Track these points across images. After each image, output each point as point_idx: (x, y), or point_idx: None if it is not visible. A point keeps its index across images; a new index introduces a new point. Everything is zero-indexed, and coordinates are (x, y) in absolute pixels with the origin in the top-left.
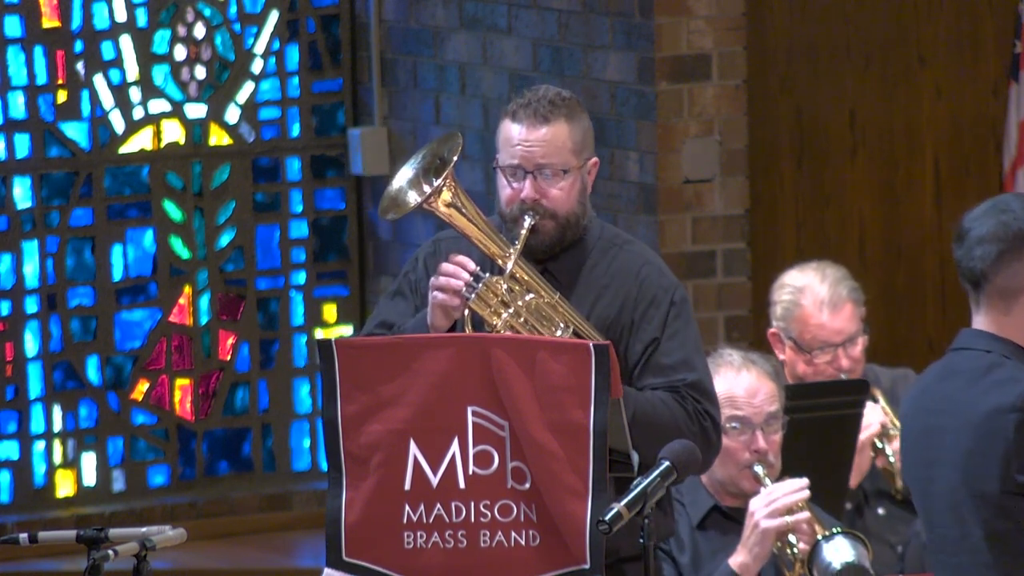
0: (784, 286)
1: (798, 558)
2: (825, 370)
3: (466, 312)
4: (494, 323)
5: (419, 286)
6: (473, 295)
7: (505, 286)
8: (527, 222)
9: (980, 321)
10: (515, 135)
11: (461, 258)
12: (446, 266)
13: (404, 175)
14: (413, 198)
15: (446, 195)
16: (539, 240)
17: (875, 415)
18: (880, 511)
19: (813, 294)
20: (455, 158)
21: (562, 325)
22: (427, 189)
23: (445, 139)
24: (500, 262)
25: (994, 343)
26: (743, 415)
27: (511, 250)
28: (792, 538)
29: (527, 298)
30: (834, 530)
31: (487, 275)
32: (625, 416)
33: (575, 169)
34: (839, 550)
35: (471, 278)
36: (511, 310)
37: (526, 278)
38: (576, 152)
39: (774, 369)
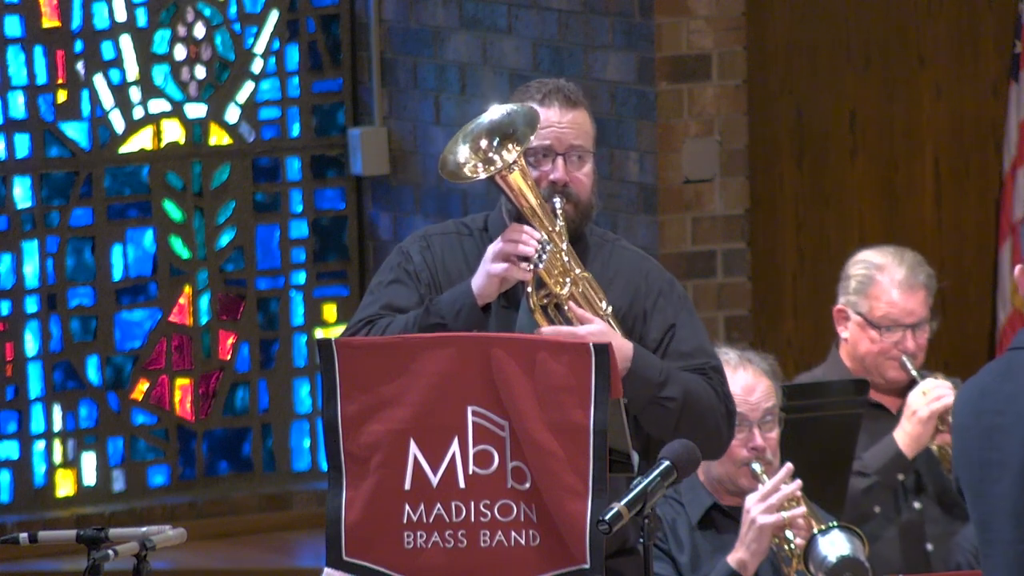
0: (860, 262)
1: (795, 554)
2: (889, 350)
3: (528, 287)
4: (558, 292)
5: (420, 275)
6: (542, 263)
7: (566, 257)
8: (558, 203)
9: None
10: (545, 118)
11: (526, 227)
12: (514, 233)
13: (471, 137)
14: (480, 167)
15: (516, 172)
16: None
17: (945, 388)
18: (916, 505)
19: (890, 272)
20: (532, 137)
21: (604, 298)
22: (494, 157)
23: (526, 111)
24: (547, 236)
25: None
26: (740, 412)
27: (558, 225)
28: (789, 534)
29: (578, 271)
30: (830, 524)
31: (549, 246)
32: (676, 391)
33: (594, 157)
34: (835, 543)
35: (539, 245)
36: (570, 279)
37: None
38: (594, 140)
39: (771, 367)
